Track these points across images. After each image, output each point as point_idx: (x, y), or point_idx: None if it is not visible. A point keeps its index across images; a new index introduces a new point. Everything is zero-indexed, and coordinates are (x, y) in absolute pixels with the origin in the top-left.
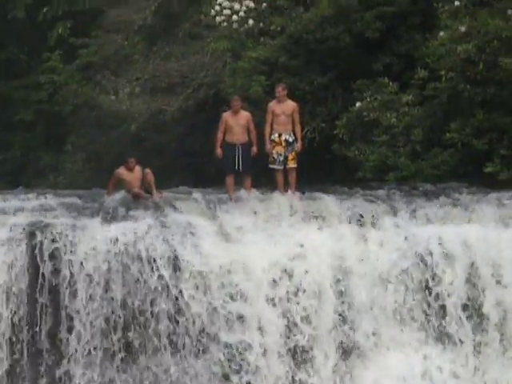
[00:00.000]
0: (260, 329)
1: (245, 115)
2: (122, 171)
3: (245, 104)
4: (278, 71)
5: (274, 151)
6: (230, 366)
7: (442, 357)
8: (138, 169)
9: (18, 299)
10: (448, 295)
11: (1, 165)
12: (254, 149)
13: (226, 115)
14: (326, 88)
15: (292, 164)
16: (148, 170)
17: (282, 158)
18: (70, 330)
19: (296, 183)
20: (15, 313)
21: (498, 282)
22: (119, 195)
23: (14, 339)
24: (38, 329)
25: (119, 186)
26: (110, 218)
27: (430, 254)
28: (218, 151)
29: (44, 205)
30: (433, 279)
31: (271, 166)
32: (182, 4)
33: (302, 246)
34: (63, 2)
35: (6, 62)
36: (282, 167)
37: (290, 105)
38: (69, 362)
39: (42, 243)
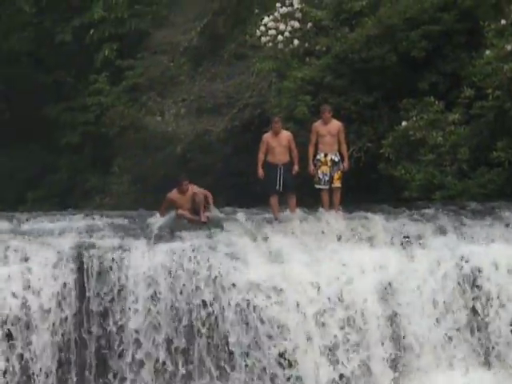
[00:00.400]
0: None
1: (286, 135)
2: (173, 195)
3: (290, 124)
4: (324, 91)
5: (319, 171)
6: None
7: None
8: (190, 190)
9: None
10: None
11: (48, 187)
12: (296, 167)
13: (267, 136)
14: (372, 107)
15: (337, 184)
16: (196, 191)
17: (327, 178)
18: None
19: (340, 203)
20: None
21: None
22: (166, 217)
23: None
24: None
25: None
26: (157, 238)
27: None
28: (260, 172)
29: (91, 225)
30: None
31: (317, 186)
32: (227, 25)
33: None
34: (109, 25)
35: (53, 84)
36: (327, 187)
37: (336, 125)
38: None
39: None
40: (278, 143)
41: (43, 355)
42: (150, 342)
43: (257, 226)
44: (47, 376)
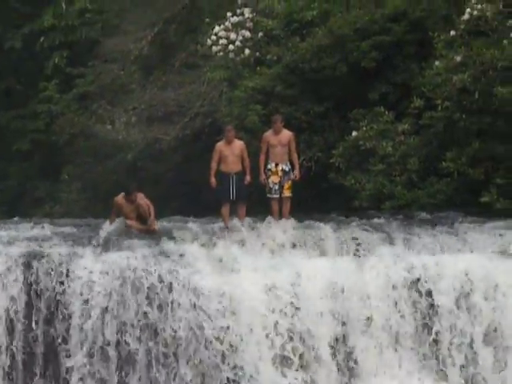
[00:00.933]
0: None
1: (239, 144)
2: (120, 200)
3: (241, 133)
4: (275, 100)
5: (269, 180)
6: None
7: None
8: (137, 199)
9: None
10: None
11: None
12: (248, 178)
13: (220, 145)
14: (323, 117)
15: (287, 193)
16: (141, 200)
17: (277, 187)
18: None
19: (290, 212)
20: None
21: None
22: (115, 225)
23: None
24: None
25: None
26: (104, 248)
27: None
28: (212, 181)
29: (40, 234)
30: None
31: (268, 196)
32: (178, 34)
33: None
34: (60, 33)
35: (3, 92)
36: (277, 196)
37: (286, 135)
38: None
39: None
40: (231, 152)
41: None
42: None
43: (207, 234)
44: None
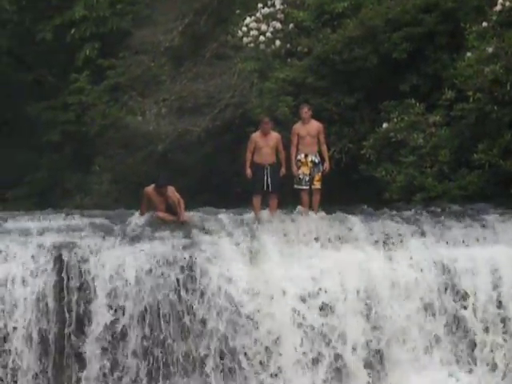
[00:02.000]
0: None
1: (274, 136)
2: (150, 191)
3: (272, 125)
4: (305, 92)
5: (299, 172)
6: None
7: None
8: (168, 191)
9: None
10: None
11: (29, 185)
12: (283, 170)
13: (256, 136)
14: (353, 109)
15: (317, 185)
16: (171, 193)
17: (307, 179)
18: None
19: (320, 204)
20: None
21: None
22: (145, 216)
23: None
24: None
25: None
26: (135, 238)
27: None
28: (248, 172)
29: (71, 225)
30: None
31: (297, 187)
32: (208, 25)
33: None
34: (91, 24)
35: (34, 83)
36: (307, 187)
37: (315, 126)
38: None
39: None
40: (266, 144)
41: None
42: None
43: (238, 225)
44: None
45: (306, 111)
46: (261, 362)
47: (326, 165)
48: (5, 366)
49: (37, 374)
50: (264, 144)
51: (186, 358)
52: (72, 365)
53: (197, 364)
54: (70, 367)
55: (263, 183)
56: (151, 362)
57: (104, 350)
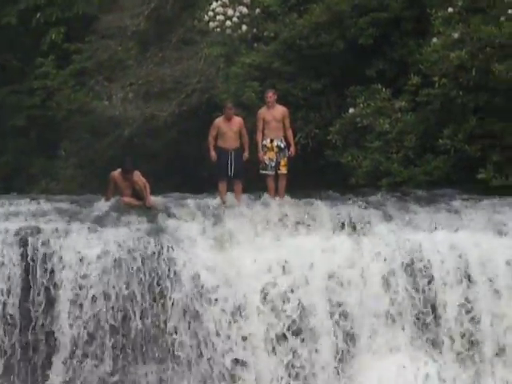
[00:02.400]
0: None
1: (237, 121)
2: (116, 176)
3: (238, 110)
4: (272, 77)
5: (265, 157)
6: None
7: None
8: (133, 176)
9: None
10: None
11: None
12: (246, 154)
13: (219, 121)
14: (320, 94)
15: (283, 170)
16: (137, 178)
17: (273, 164)
18: None
19: (286, 189)
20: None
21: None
22: (111, 201)
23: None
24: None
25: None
26: (101, 223)
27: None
28: (213, 154)
29: (37, 210)
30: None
31: (262, 172)
32: (175, 10)
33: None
34: (56, 8)
35: None
36: (273, 173)
37: (280, 110)
38: None
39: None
40: (230, 128)
41: None
42: None
43: (204, 210)
44: None
45: (270, 96)
46: None
47: (292, 149)
48: None
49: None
50: (227, 129)
51: None
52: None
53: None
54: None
55: (227, 168)
56: None
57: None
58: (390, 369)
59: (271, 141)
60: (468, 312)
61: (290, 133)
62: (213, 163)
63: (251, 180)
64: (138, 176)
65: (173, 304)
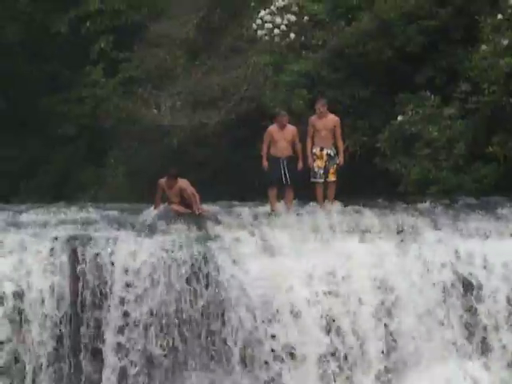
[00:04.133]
0: None
1: (291, 129)
2: (163, 183)
3: (288, 118)
4: (320, 85)
5: (314, 165)
6: None
7: None
8: (179, 184)
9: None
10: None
11: (43, 178)
12: (300, 163)
13: (272, 129)
14: (368, 102)
15: (332, 178)
16: (185, 186)
17: (322, 172)
18: None
19: (335, 197)
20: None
21: None
22: (159, 210)
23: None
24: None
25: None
26: (150, 231)
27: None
28: (265, 163)
29: (86, 218)
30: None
31: (312, 180)
32: (223, 18)
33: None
34: (105, 17)
35: (48, 76)
36: (322, 180)
37: (331, 119)
38: None
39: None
40: (283, 137)
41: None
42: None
43: (253, 219)
44: None
45: (320, 107)
46: None
47: (341, 158)
48: None
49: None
50: (280, 137)
51: None
52: None
53: None
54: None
55: (279, 176)
56: None
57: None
58: None
59: (321, 149)
60: None
61: (340, 142)
62: (264, 171)
63: (299, 188)
64: (186, 184)
65: None
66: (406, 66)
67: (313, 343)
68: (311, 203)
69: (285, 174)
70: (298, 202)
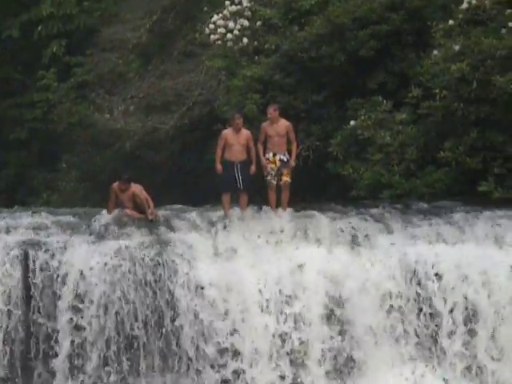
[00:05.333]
0: None
1: (245, 133)
2: (115, 188)
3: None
4: (273, 89)
5: (268, 166)
6: None
7: None
8: (132, 189)
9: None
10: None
11: None
12: (253, 167)
13: (227, 133)
14: (321, 106)
15: (286, 178)
16: (138, 191)
17: (274, 173)
18: None
19: (289, 202)
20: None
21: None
22: (113, 214)
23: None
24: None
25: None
26: (101, 236)
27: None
28: (219, 167)
29: (39, 223)
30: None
31: (266, 178)
32: (176, 22)
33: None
34: (58, 21)
35: (0, 81)
36: (274, 182)
37: (284, 125)
38: None
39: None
40: (237, 141)
41: None
42: None
43: (207, 223)
44: None
45: (271, 112)
46: None
47: (292, 161)
48: None
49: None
50: (235, 141)
51: None
52: None
53: None
54: None
55: (233, 180)
56: None
57: None
58: None
59: (274, 155)
60: None
61: (294, 146)
62: (218, 176)
63: (254, 193)
64: (138, 189)
65: None
66: (358, 71)
67: None
68: (265, 209)
69: (238, 178)
70: (252, 207)
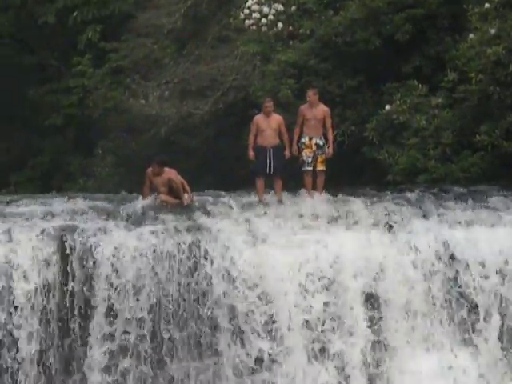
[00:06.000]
0: None
1: (277, 118)
2: (150, 173)
3: (274, 107)
4: (308, 74)
5: (303, 153)
6: None
7: None
8: (166, 174)
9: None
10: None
11: (32, 169)
12: (287, 152)
13: (258, 118)
14: (356, 91)
15: (321, 167)
16: (173, 176)
17: (310, 160)
18: None
19: (324, 186)
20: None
21: None
22: (148, 200)
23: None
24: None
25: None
26: (137, 221)
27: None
28: (251, 154)
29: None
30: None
31: (303, 169)
32: (211, 7)
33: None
34: (93, 7)
35: (36, 67)
36: (310, 168)
37: (322, 109)
38: None
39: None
40: (269, 125)
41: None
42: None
43: (241, 208)
44: None
45: (311, 95)
46: None
47: (330, 150)
48: None
49: None
50: (266, 126)
51: None
52: None
53: None
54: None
55: (266, 166)
56: None
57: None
58: None
59: (310, 138)
60: None
61: (330, 132)
62: (251, 161)
63: (288, 177)
64: (173, 174)
65: None
66: (393, 55)
67: None
68: (301, 193)
69: (271, 163)
70: (288, 191)
